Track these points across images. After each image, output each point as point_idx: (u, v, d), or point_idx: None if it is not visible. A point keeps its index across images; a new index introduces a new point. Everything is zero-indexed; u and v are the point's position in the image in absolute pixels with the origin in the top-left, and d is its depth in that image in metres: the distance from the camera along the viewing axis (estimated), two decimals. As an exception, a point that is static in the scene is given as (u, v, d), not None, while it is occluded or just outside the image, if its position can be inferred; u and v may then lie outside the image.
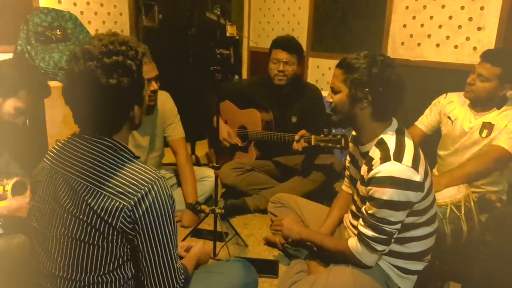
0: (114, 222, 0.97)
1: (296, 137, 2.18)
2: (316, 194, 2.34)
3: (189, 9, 2.79)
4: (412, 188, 1.33)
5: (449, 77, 2.56)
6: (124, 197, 0.97)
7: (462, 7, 2.45)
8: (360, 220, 1.45)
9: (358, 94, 1.39)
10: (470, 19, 2.43)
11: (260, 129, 2.53)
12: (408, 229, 1.42)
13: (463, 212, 1.73)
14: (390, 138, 1.42)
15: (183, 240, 1.95)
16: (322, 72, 3.30)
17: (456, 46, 2.52)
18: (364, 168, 1.46)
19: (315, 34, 3.32)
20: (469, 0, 2.42)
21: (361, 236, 1.42)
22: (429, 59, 2.65)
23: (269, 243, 2.03)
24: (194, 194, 2.17)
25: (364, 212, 1.42)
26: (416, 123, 2.29)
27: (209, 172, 2.32)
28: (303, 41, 3.39)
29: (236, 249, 1.98)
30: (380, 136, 1.44)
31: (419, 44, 2.68)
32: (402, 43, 2.77)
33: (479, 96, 2.02)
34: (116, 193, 0.97)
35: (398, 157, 1.35)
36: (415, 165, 1.34)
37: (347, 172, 1.78)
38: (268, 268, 1.83)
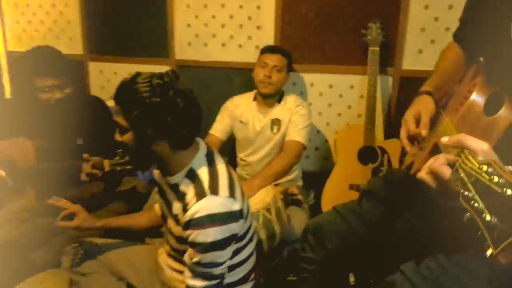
0: None
1: (85, 165, 1.81)
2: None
3: None
4: (234, 219, 1.20)
5: (237, 77, 2.59)
6: None
7: (241, 6, 2.48)
8: (186, 271, 1.25)
9: (146, 131, 1.16)
10: (250, 18, 2.48)
11: (34, 160, 2.00)
12: (231, 257, 1.30)
13: (273, 214, 1.78)
14: (201, 169, 1.25)
15: None
16: (107, 78, 2.91)
17: (240, 45, 2.55)
18: (177, 206, 1.26)
19: (91, 35, 2.87)
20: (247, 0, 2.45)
21: None
22: (217, 59, 2.61)
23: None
24: None
25: (189, 261, 1.23)
26: (211, 131, 2.25)
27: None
28: (78, 42, 2.89)
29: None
30: (190, 166, 1.25)
31: (205, 44, 2.61)
32: (189, 44, 2.65)
33: (277, 88, 2.12)
34: None
35: (214, 189, 1.19)
36: (232, 192, 1.22)
37: (157, 206, 1.55)
38: None
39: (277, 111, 2.18)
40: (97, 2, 2.78)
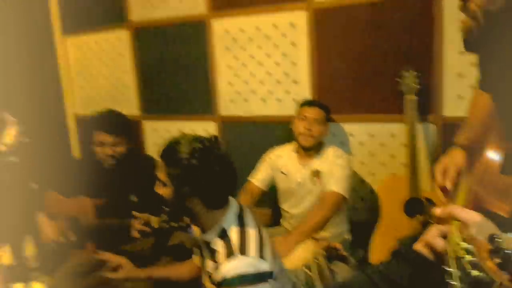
0: None
1: (136, 223, 1.95)
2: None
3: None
4: (262, 280, 1.25)
5: (277, 130, 2.67)
6: None
7: (277, 63, 2.60)
8: None
9: (182, 189, 1.28)
10: (286, 74, 2.59)
11: (93, 217, 2.19)
12: None
13: (315, 271, 1.77)
14: (232, 228, 1.31)
15: None
16: (160, 135, 3.14)
17: (279, 100, 2.65)
18: (210, 264, 1.33)
19: (145, 96, 3.14)
20: (282, 57, 2.58)
21: None
22: (258, 113, 2.73)
23: None
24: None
25: None
26: (251, 179, 2.31)
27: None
28: (133, 104, 3.18)
29: None
30: (222, 226, 1.33)
31: (246, 100, 2.75)
32: (232, 100, 2.80)
33: (317, 139, 2.17)
34: None
35: (243, 249, 1.26)
36: (261, 253, 1.27)
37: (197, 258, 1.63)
38: None
39: (317, 162, 2.21)
40: (149, 67, 3.06)
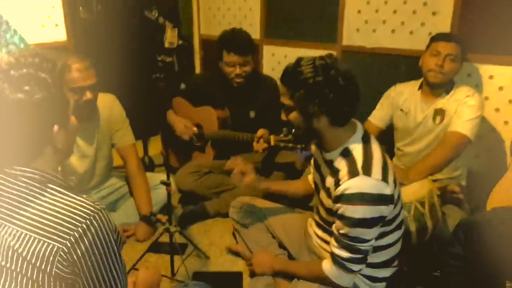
0: (49, 267, 0.83)
1: (256, 138, 2.08)
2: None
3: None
4: (384, 203, 1.26)
5: (405, 64, 2.51)
6: (58, 238, 0.83)
7: (416, -8, 2.39)
8: (332, 240, 1.37)
9: (309, 108, 1.28)
10: (425, 3, 2.38)
11: (216, 127, 2.38)
12: (376, 239, 1.36)
13: (427, 208, 1.71)
14: (356, 148, 1.33)
15: (143, 255, 1.80)
16: (278, 60, 3.18)
17: (411, 32, 2.47)
18: (330, 181, 1.37)
19: (268, 20, 3.16)
20: (423, -16, 2.35)
21: (335, 258, 1.35)
22: (384, 45, 2.59)
23: (232, 252, 1.93)
24: (148, 205, 2.01)
25: (336, 232, 1.34)
26: (370, 118, 2.26)
27: (164, 178, 2.16)
28: (256, 28, 3.23)
29: (196, 263, 1.86)
30: (346, 146, 1.35)
31: (374, 30, 2.61)
32: (357, 30, 2.68)
33: (449, 78, 2.02)
34: (48, 234, 0.83)
35: (367, 170, 1.26)
36: (384, 177, 1.27)
37: (310, 177, 1.70)
38: (231, 281, 1.73)
39: (443, 101, 2.06)
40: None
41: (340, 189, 1.27)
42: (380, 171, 1.27)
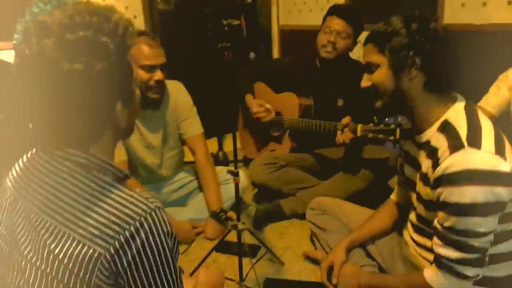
0: (88, 276, 0.66)
1: (340, 127, 1.80)
2: (365, 195, 1.95)
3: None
4: (501, 182, 0.95)
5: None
6: (101, 242, 0.65)
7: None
8: (435, 238, 1.07)
9: (403, 60, 1.07)
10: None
11: (297, 115, 2.14)
12: (494, 243, 1.03)
13: None
14: (458, 118, 1.04)
15: (209, 254, 1.63)
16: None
17: (535, 1, 2.00)
18: (426, 163, 1.09)
19: (354, 2, 2.85)
20: None
21: (440, 261, 1.06)
22: (498, 21, 2.14)
23: (310, 259, 1.67)
24: (217, 201, 1.85)
25: (439, 227, 1.05)
26: (480, 103, 1.87)
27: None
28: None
29: (269, 268, 1.64)
30: (445, 118, 1.07)
31: (484, 4, 2.18)
32: (463, 4, 2.27)
33: None
34: (89, 235, 0.66)
35: (475, 141, 0.97)
36: (499, 150, 0.97)
37: (398, 178, 1.39)
38: (308, 292, 1.48)
39: None
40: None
41: (440, 168, 1.00)
42: (493, 143, 0.98)
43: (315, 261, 1.62)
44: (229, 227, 1.73)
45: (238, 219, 1.51)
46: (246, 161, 2.33)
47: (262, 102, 2.15)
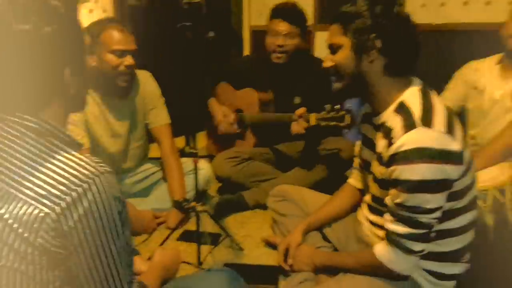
0: (32, 237, 0.66)
1: (295, 117, 1.85)
2: (325, 183, 1.99)
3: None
4: (450, 160, 1.00)
5: (481, 40, 2.16)
6: (47, 201, 0.66)
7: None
8: (386, 215, 1.11)
9: (364, 42, 1.09)
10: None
11: (257, 110, 2.18)
12: (443, 219, 1.08)
13: (508, 198, 1.42)
14: (413, 100, 1.08)
15: (167, 237, 1.63)
16: (331, 48, 2.94)
17: (487, 3, 2.11)
18: (381, 143, 1.13)
19: (321, 4, 2.94)
20: None
21: (390, 236, 1.09)
22: (455, 20, 2.25)
23: (269, 245, 1.70)
24: (181, 190, 1.85)
25: (390, 203, 1.09)
26: None
27: (199, 164, 1.99)
28: (308, 13, 2.99)
29: (229, 254, 1.65)
30: (401, 100, 1.11)
31: (442, 4, 2.28)
32: (423, 5, 2.37)
33: None
34: (35, 195, 0.66)
35: (427, 121, 1.02)
36: (450, 130, 1.01)
37: (357, 161, 1.44)
38: (266, 276, 1.50)
39: None
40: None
41: (394, 147, 1.04)
42: (444, 123, 1.02)
43: (274, 247, 1.64)
44: (192, 215, 1.74)
45: (198, 201, 1.52)
46: (211, 158, 2.34)
47: (227, 112, 2.18)
